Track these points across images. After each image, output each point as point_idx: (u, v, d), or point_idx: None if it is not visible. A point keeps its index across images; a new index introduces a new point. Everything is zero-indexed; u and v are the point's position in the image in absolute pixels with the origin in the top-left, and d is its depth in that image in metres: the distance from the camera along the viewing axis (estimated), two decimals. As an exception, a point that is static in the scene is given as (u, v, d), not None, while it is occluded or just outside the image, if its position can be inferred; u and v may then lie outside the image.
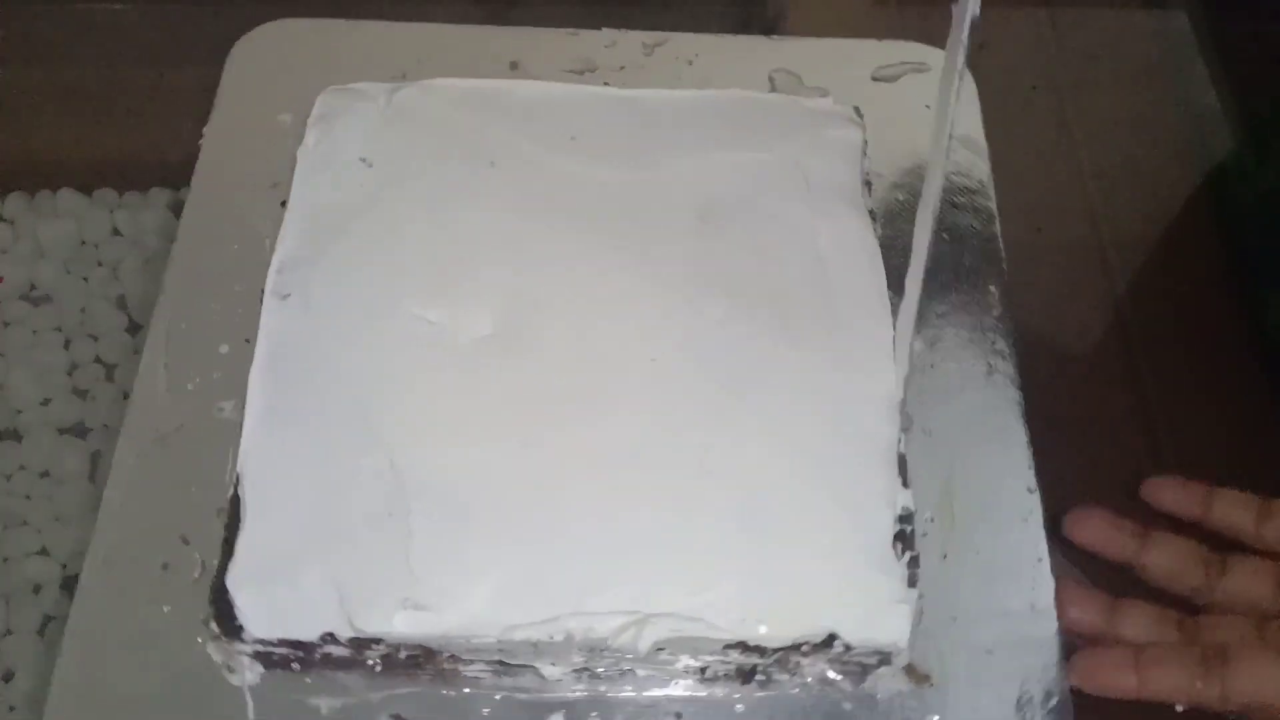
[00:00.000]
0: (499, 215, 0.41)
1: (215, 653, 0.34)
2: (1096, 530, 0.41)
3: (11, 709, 0.47)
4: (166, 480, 0.37)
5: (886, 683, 0.35)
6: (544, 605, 0.33)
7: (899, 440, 0.37)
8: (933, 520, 0.38)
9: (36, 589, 0.49)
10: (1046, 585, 0.37)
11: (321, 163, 0.42)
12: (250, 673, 0.34)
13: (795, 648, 0.34)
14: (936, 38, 0.58)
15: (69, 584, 0.49)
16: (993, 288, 0.43)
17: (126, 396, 0.40)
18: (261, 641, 0.33)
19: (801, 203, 0.42)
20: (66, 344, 0.55)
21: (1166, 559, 0.41)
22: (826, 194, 0.42)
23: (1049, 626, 0.36)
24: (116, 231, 0.57)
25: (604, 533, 0.35)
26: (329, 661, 0.34)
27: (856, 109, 0.45)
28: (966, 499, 0.38)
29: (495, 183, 0.42)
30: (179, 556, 0.36)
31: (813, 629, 0.34)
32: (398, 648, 0.34)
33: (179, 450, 0.38)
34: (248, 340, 0.39)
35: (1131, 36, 0.66)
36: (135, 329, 0.56)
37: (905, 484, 0.36)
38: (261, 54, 0.47)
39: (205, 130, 0.44)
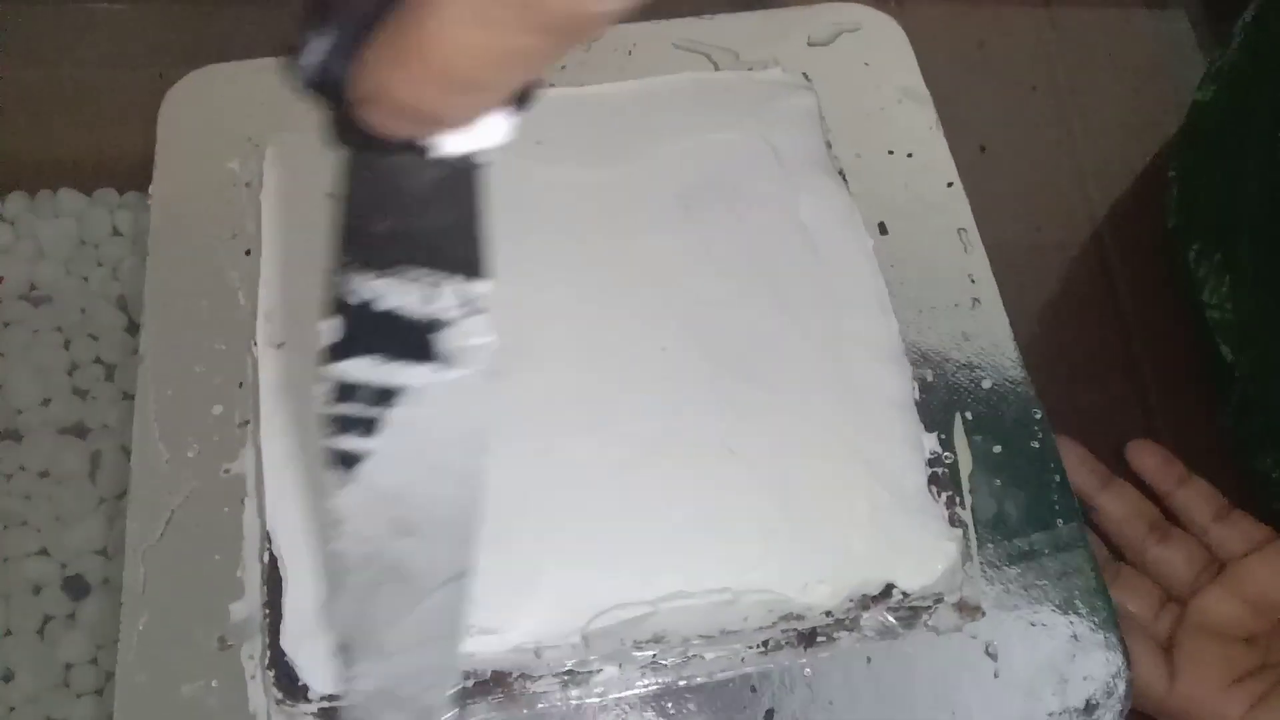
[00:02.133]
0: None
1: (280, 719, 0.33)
2: (1069, 459, 0.44)
3: (11, 709, 0.47)
4: (187, 551, 0.36)
5: (942, 619, 0.36)
6: (604, 603, 0.33)
7: (913, 388, 0.38)
8: (947, 455, 0.39)
9: (36, 589, 0.49)
10: (1068, 499, 0.39)
11: (287, 204, 0.41)
12: None
13: (858, 603, 0.35)
14: (936, 35, 0.58)
15: (69, 584, 0.49)
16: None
17: (126, 397, 0.39)
18: (328, 697, 0.32)
19: (776, 175, 0.43)
20: (66, 344, 0.54)
21: (1119, 507, 0.46)
22: (797, 163, 0.43)
23: (1079, 538, 0.38)
24: (116, 231, 0.57)
25: (645, 527, 0.35)
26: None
27: (805, 75, 0.46)
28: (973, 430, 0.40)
29: None
30: (217, 627, 0.35)
31: (870, 583, 0.35)
32: (466, 676, 0.33)
33: (193, 519, 0.37)
34: (240, 384, 0.38)
35: (1131, 36, 0.66)
36: (135, 329, 0.55)
37: (926, 428, 0.38)
38: (195, 103, 0.46)
39: (152, 189, 0.43)
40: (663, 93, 0.45)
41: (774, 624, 0.35)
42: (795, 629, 0.35)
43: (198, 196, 0.43)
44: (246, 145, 0.44)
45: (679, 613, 0.33)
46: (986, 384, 0.40)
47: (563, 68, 0.46)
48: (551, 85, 0.45)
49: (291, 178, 0.41)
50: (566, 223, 0.41)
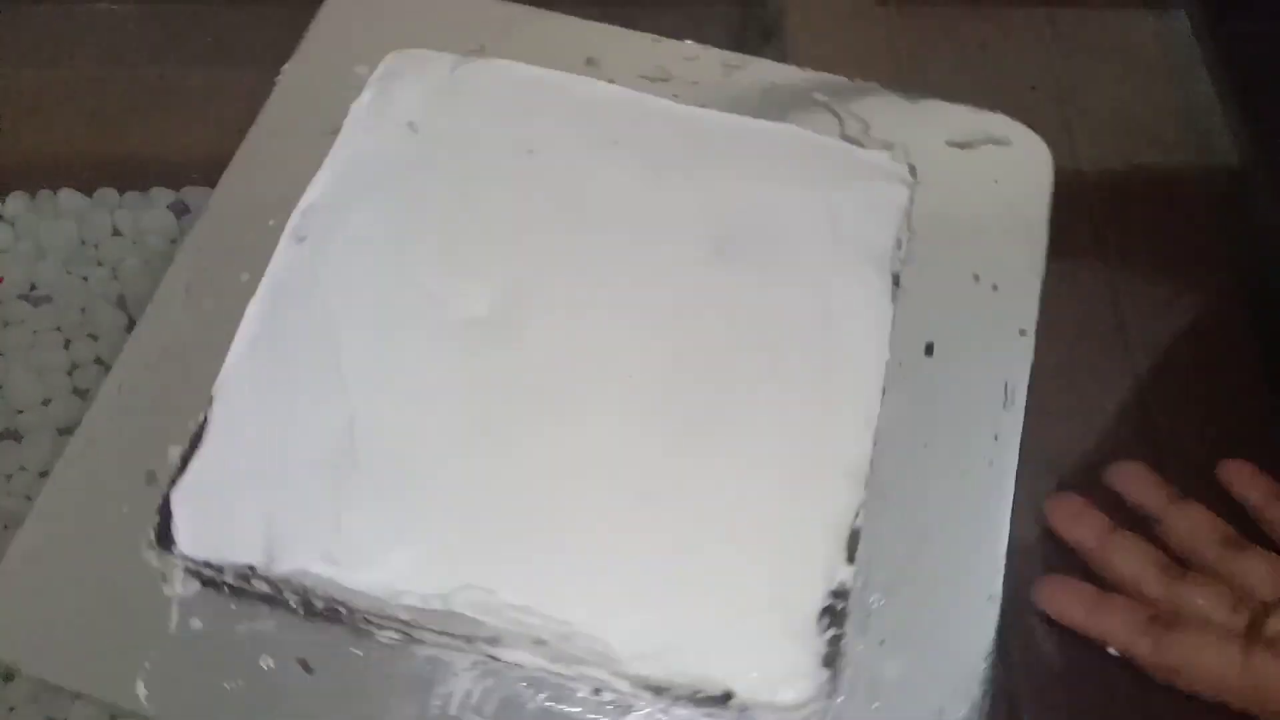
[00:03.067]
0: (523, 203, 0.42)
1: (153, 560, 0.36)
2: (1130, 479, 0.44)
3: (11, 709, 0.47)
4: (159, 388, 0.39)
5: None
6: (448, 581, 0.34)
7: (856, 514, 0.36)
8: (882, 602, 0.35)
9: (36, 589, 0.49)
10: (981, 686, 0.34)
11: (371, 121, 0.44)
12: (182, 586, 0.36)
13: (691, 696, 0.33)
14: (936, 35, 0.58)
15: (69, 584, 0.49)
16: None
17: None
18: (189, 559, 0.35)
19: (823, 248, 0.41)
20: (66, 344, 0.54)
21: (1186, 522, 0.43)
22: (852, 245, 0.41)
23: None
24: (116, 231, 0.57)
25: (535, 529, 0.35)
26: (252, 592, 0.36)
27: (912, 168, 0.44)
28: (921, 584, 0.36)
29: (529, 171, 0.42)
30: (150, 462, 0.38)
31: (710, 683, 0.33)
32: (310, 595, 0.35)
33: (179, 362, 0.40)
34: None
35: (1131, 36, 0.66)
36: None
37: (850, 559, 0.35)
38: (354, 7, 0.48)
39: (285, 68, 0.46)
40: (757, 135, 0.44)
41: (599, 681, 0.33)
42: (615, 694, 0.33)
43: (317, 88, 0.46)
44: (380, 56, 0.46)
45: (517, 625, 0.34)
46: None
47: (695, 83, 0.46)
48: (674, 96, 0.45)
49: (386, 96, 0.44)
50: (602, 224, 0.41)
